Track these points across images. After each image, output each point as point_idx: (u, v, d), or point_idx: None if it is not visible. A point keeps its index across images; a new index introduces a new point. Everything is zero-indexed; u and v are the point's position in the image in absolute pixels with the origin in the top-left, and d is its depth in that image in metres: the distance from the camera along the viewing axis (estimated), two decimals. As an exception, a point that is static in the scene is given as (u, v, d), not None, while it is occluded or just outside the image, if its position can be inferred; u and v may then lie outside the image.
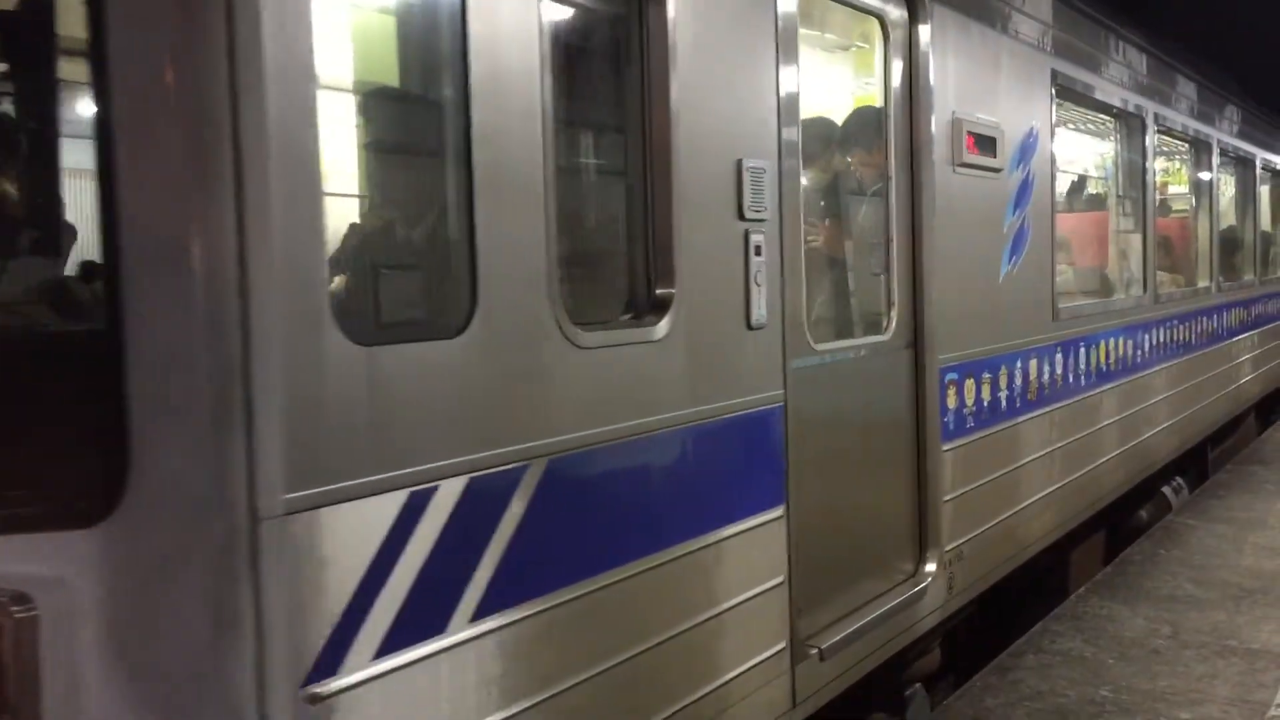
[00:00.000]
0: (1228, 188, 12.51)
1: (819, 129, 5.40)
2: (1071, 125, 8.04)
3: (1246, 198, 12.92)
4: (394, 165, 3.04)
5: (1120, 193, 8.55)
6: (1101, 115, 8.38)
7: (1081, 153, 8.66)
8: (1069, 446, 6.84)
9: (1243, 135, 12.27)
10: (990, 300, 5.81)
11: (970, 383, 5.51)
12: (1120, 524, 8.89)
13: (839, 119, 5.36)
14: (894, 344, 4.99)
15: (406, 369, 2.54)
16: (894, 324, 4.99)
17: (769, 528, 3.92)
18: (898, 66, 5.04)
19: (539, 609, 2.93)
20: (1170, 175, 10.76)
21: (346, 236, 2.77)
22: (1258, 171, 12.94)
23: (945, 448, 5.24)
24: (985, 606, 6.10)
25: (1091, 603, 6.82)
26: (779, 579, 3.99)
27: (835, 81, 5.55)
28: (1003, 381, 5.88)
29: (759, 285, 3.82)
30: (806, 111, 5.39)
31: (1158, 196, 9.12)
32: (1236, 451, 12.15)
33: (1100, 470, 7.45)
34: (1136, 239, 8.56)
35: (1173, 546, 8.06)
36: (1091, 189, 8.85)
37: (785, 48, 4.09)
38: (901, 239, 5.03)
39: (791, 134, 4.13)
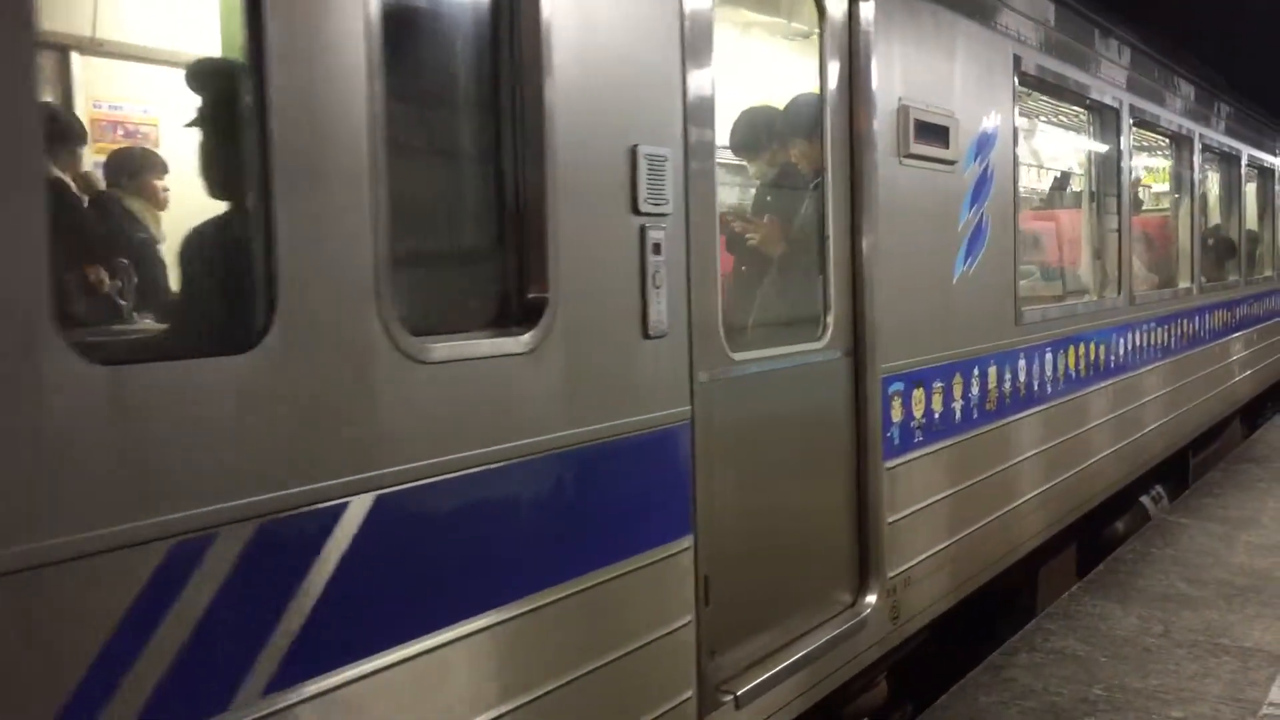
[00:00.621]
0: (1212, 185, 12.11)
1: (761, 119, 4.97)
2: (1041, 117, 7.61)
3: (1232, 195, 12.51)
4: (161, 139, 2.57)
5: (1094, 189, 8.11)
6: (1073, 108, 7.95)
7: (1052, 147, 8.23)
8: (1035, 458, 6.40)
9: (1228, 131, 11.85)
10: (943, 303, 5.37)
11: (919, 393, 5.07)
12: (1096, 536, 8.47)
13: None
14: (830, 352, 4.54)
15: (171, 392, 2.09)
16: (830, 330, 4.54)
17: (672, 562, 3.48)
18: (836, 48, 4.59)
19: (366, 671, 2.48)
20: (1149, 172, 10.34)
21: (90, 228, 2.30)
22: (1243, 168, 12.52)
23: (889, 464, 4.80)
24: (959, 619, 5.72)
25: (1084, 601, 6.78)
26: (685, 619, 3.54)
27: (792, 69, 5.10)
28: (957, 391, 5.44)
29: (658, 288, 3.37)
30: (751, 100, 5.01)
31: (1135, 193, 8.68)
32: (1221, 457, 11.75)
33: (1071, 482, 7.02)
34: (1112, 238, 8.12)
35: (1165, 545, 8.04)
36: (1063, 185, 8.41)
37: (694, 23, 3.63)
38: (839, 237, 4.58)
39: (703, 118, 3.67)
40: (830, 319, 4.54)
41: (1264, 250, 14.46)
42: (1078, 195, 8.50)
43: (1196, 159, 10.23)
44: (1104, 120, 8.03)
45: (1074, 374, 7.04)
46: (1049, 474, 6.63)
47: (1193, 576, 7.23)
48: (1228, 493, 9.72)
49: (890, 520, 4.80)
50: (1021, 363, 6.21)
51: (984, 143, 5.72)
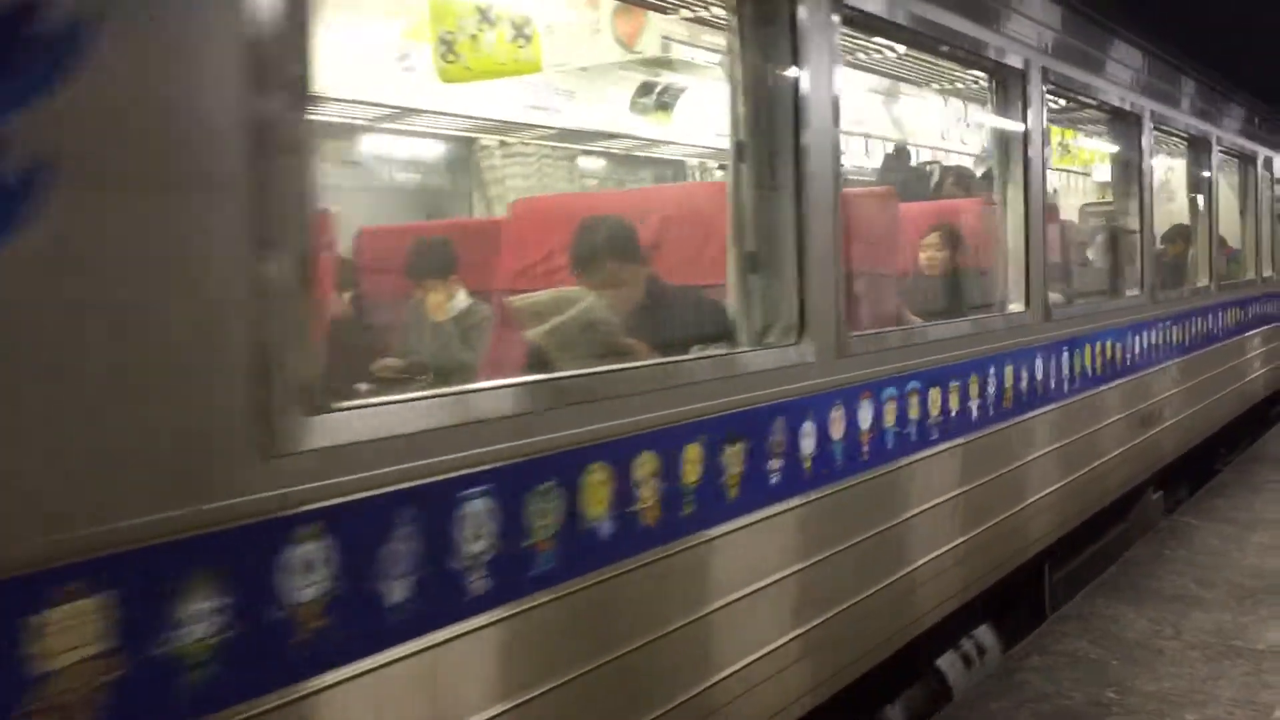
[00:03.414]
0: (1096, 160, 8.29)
1: None
2: None
3: (1131, 176, 8.64)
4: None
5: (745, 141, 4.24)
6: None
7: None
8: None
9: (1117, 80, 8.03)
10: None
11: None
12: None
13: None
14: None
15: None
16: None
17: None
18: None
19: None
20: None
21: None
22: (1144, 136, 8.63)
23: None
24: None
25: (1096, 603, 6.72)
26: None
27: None
28: None
29: None
30: None
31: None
32: (1115, 559, 7.96)
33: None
34: (818, 235, 4.31)
35: (1177, 546, 7.98)
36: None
37: None
38: None
39: None
40: None
41: (1199, 251, 10.62)
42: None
43: (1033, 112, 6.37)
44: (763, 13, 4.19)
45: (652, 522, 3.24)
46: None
47: (1204, 578, 7.19)
48: (1238, 494, 9.58)
49: None
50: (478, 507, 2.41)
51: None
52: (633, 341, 3.91)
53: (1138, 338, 8.13)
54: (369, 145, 8.41)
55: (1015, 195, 6.24)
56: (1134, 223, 8.46)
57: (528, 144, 8.57)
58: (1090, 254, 8.39)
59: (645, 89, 8.43)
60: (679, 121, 8.71)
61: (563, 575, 3.02)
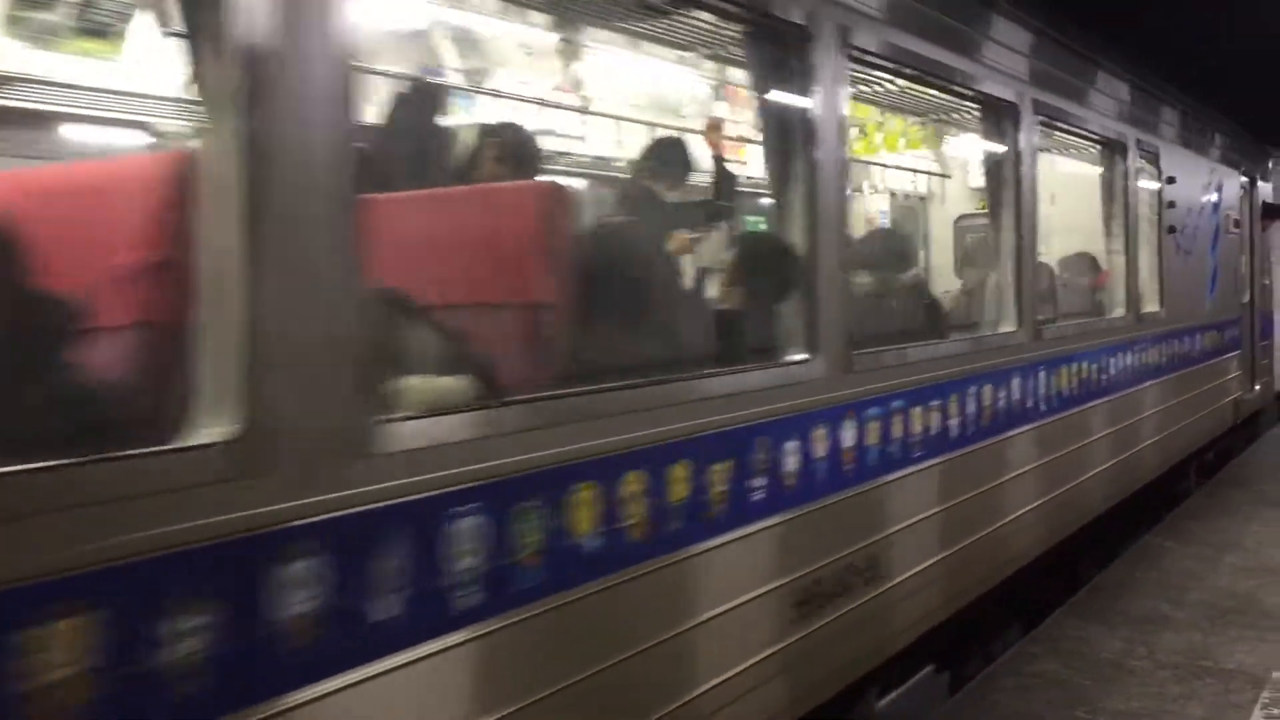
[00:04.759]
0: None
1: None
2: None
3: (791, 146, 4.10)
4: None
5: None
6: None
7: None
8: None
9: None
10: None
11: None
12: None
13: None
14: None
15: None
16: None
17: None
18: None
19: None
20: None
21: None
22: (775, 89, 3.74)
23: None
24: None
25: (1068, 625, 6.75)
26: None
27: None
28: None
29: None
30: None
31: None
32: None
33: None
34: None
35: (1149, 568, 7.99)
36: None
37: None
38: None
39: None
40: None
41: (1002, 280, 6.43)
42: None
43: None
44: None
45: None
46: None
47: (1176, 599, 7.18)
48: (1211, 516, 9.66)
49: None
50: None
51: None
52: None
53: (809, 441, 4.40)
54: None
55: (327, 173, 2.55)
56: (796, 231, 4.54)
57: None
58: (718, 291, 4.95)
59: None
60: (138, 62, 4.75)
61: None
